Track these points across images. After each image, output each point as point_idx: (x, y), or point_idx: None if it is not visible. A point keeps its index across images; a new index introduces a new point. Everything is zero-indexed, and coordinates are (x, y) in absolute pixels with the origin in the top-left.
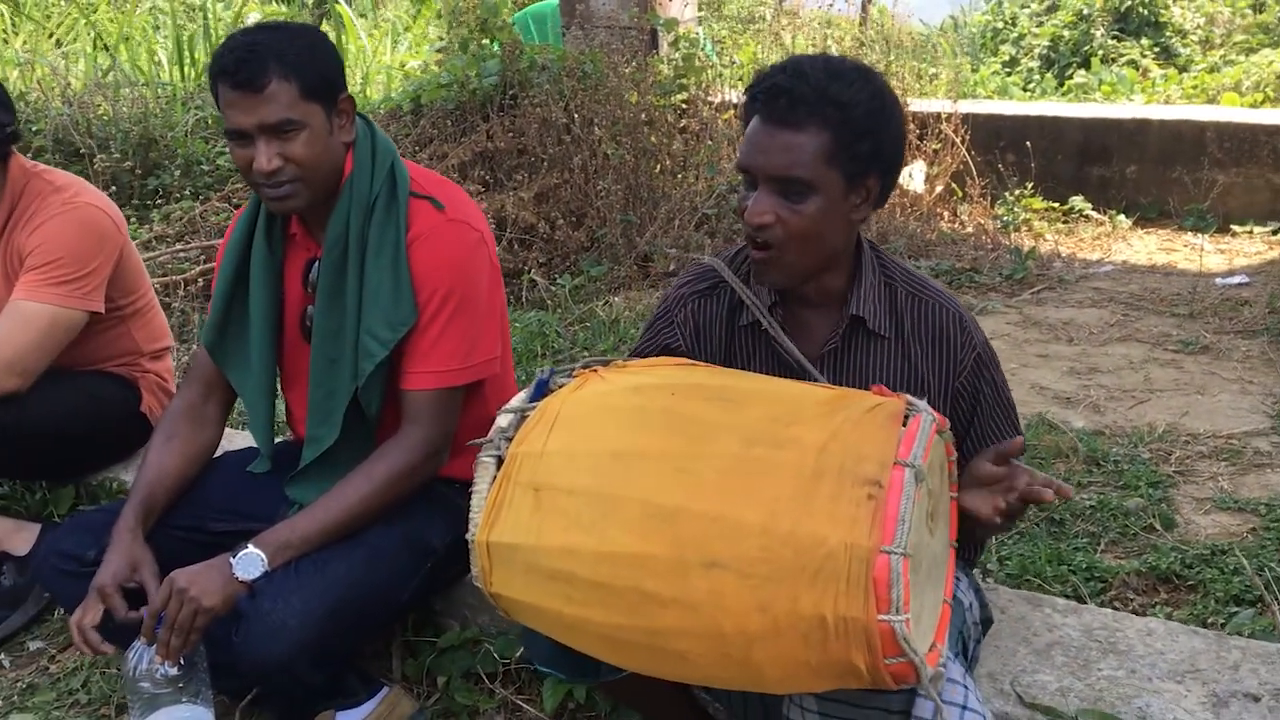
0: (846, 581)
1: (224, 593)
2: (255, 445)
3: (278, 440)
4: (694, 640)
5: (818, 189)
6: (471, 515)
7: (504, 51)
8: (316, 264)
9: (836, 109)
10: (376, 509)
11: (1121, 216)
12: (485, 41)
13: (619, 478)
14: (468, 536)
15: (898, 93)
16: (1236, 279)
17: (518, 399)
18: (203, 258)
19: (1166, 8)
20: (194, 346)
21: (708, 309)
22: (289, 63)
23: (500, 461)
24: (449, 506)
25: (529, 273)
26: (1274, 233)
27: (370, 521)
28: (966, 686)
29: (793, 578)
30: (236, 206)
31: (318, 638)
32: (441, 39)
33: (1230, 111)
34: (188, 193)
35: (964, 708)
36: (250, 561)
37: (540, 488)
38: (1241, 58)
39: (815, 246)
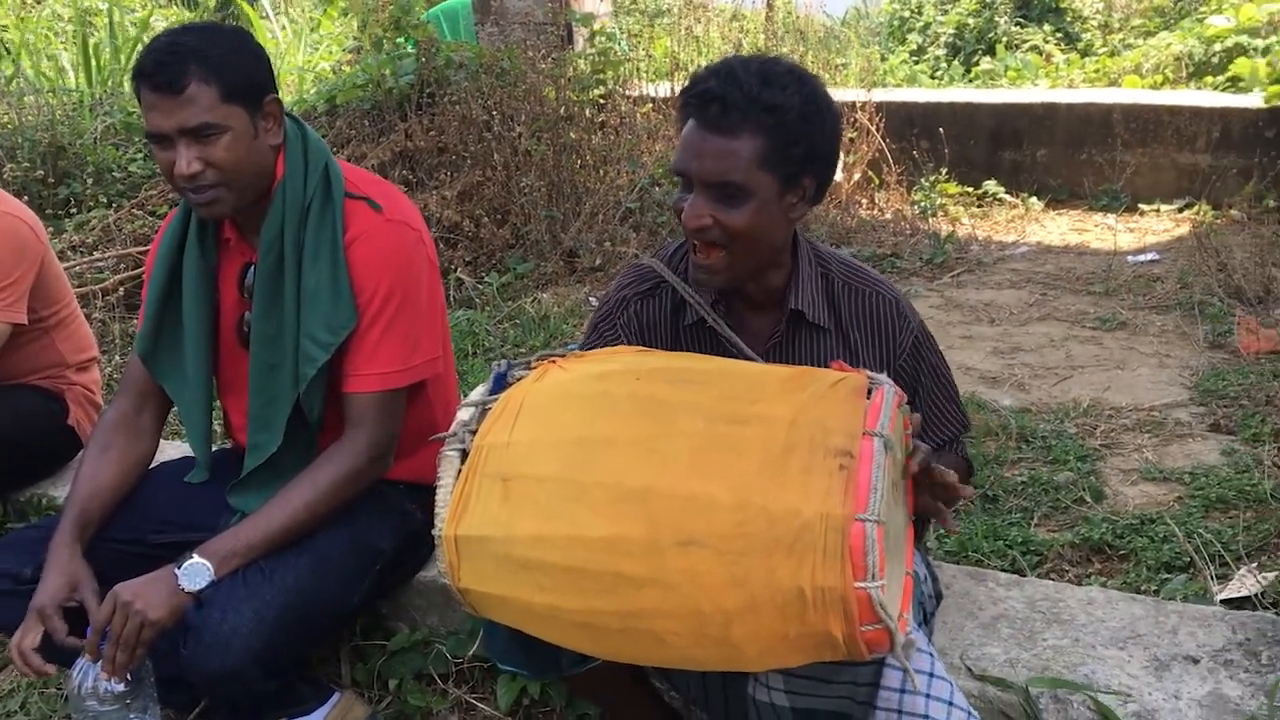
0: (823, 552)
1: (170, 604)
2: (191, 455)
3: (214, 449)
4: (672, 620)
5: (753, 192)
6: (437, 510)
7: (420, 49)
8: (252, 269)
9: (769, 114)
10: (322, 514)
11: (1034, 199)
12: (399, 40)
13: (588, 462)
14: (434, 532)
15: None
16: (1147, 256)
17: (477, 393)
18: (121, 266)
19: None
20: (115, 357)
21: (651, 310)
22: (210, 65)
23: (464, 455)
24: (395, 509)
25: (456, 271)
26: (1179, 210)
27: (316, 527)
28: (931, 654)
29: (768, 550)
30: (153, 214)
31: (268, 646)
32: (354, 38)
33: (1135, 94)
34: (101, 201)
35: (931, 675)
36: (196, 572)
37: (509, 478)
38: (1140, 41)
39: (753, 247)
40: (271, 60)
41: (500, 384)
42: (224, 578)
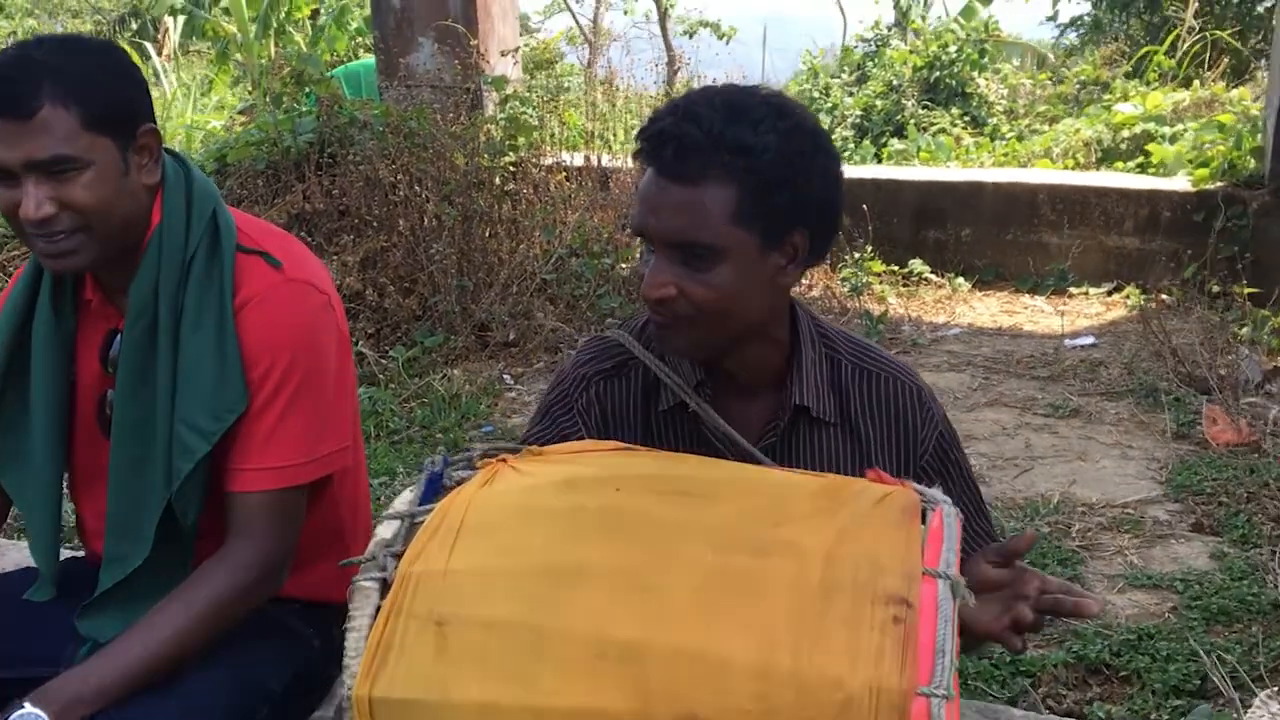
0: None
1: None
2: (32, 565)
3: (64, 558)
4: None
5: (726, 254)
6: (346, 661)
7: (321, 107)
8: (118, 337)
9: (739, 156)
10: (196, 646)
11: (960, 279)
12: (301, 95)
13: (556, 603)
14: (344, 691)
15: None
16: (1084, 340)
17: (402, 501)
18: None
19: (972, 79)
20: None
21: (616, 392)
22: (68, 84)
23: (386, 586)
24: (288, 635)
25: (358, 344)
26: (1109, 294)
27: (188, 661)
28: None
29: None
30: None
31: None
32: (247, 97)
33: (1061, 174)
34: None
35: None
36: None
37: (445, 620)
38: (1045, 127)
39: (726, 321)
40: (159, 115)
41: (434, 489)
42: None
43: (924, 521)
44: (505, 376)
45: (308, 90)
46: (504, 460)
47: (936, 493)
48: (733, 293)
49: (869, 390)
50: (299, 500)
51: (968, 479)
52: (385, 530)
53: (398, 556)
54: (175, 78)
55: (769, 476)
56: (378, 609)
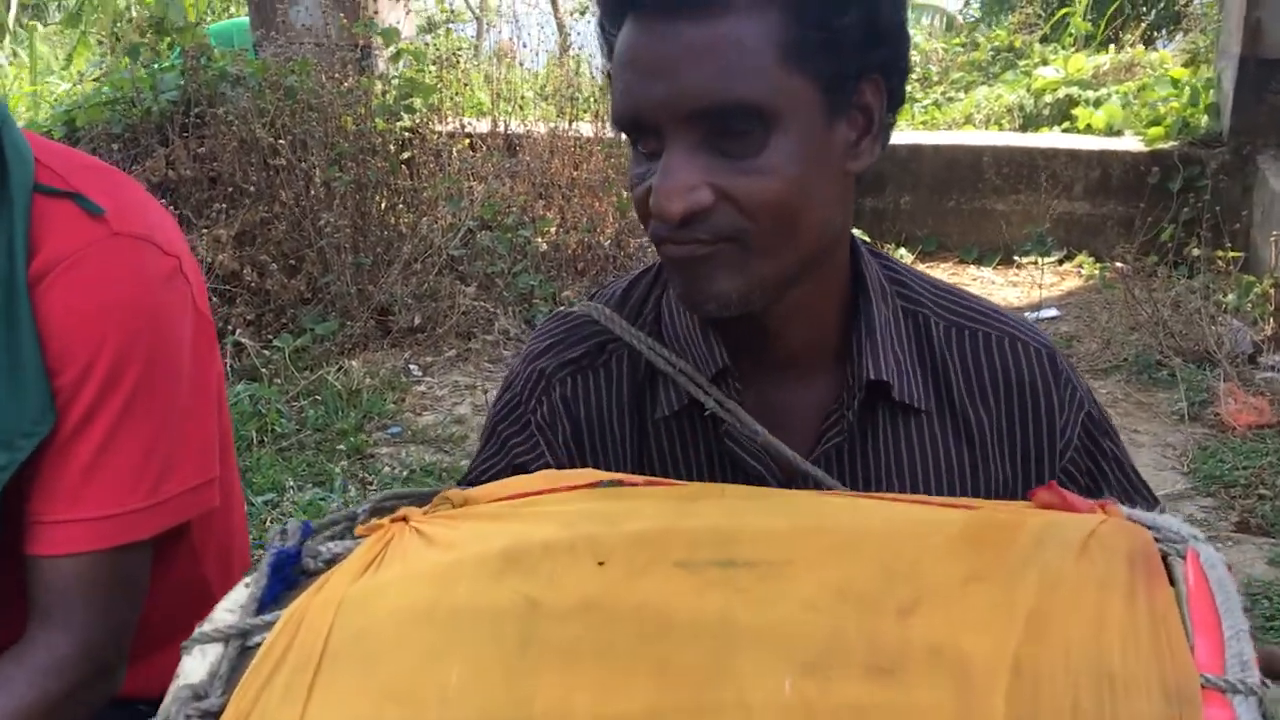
0: None
1: None
2: None
3: None
4: None
5: (780, 118)
6: None
7: (186, 60)
8: None
9: None
10: None
11: (901, 250)
12: (162, 48)
13: None
14: None
15: None
16: (1048, 313)
17: (231, 604)
18: None
19: None
20: None
21: (591, 392)
22: None
23: None
24: None
25: (234, 334)
26: (1059, 262)
27: None
28: None
29: None
30: None
31: None
32: (102, 56)
33: (1006, 136)
34: None
35: None
36: None
37: None
38: (961, 94)
39: (794, 235)
40: None
41: (286, 580)
42: None
43: (1171, 579)
44: (412, 367)
45: (170, 41)
46: (403, 519)
47: (1174, 521)
48: (799, 181)
49: (975, 358)
50: (137, 562)
51: (1125, 466)
52: (195, 665)
53: (217, 715)
54: (12, 46)
55: (864, 513)
56: None
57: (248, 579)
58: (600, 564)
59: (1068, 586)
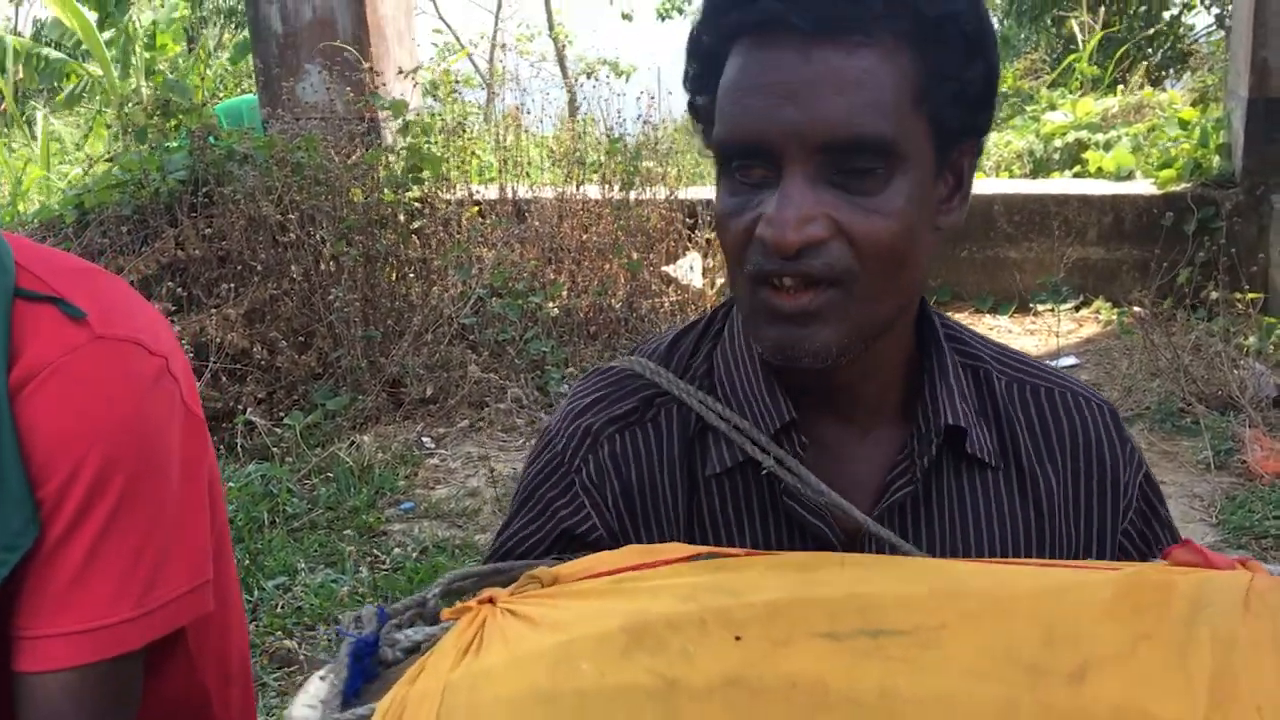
0: None
1: None
2: None
3: None
4: None
5: (905, 160)
6: None
7: (193, 140)
8: None
9: (917, 5)
10: None
11: None
12: (169, 129)
13: None
14: None
15: (678, 183)
16: (1067, 361)
17: (311, 695)
18: None
19: None
20: None
21: (641, 449)
22: None
23: None
24: None
25: (244, 413)
26: (1076, 309)
27: None
28: None
29: None
30: None
31: None
32: (114, 140)
33: (1015, 183)
34: None
35: None
36: None
37: None
38: None
39: (896, 279)
40: (8, 171)
41: (363, 666)
42: None
43: None
44: (425, 439)
45: (177, 122)
46: (490, 601)
47: None
48: (912, 228)
49: (1040, 414)
50: (129, 674)
51: (1174, 532)
52: None
53: None
54: (21, 133)
55: (1001, 576)
56: None
57: (321, 672)
58: (737, 638)
59: (1243, 646)
